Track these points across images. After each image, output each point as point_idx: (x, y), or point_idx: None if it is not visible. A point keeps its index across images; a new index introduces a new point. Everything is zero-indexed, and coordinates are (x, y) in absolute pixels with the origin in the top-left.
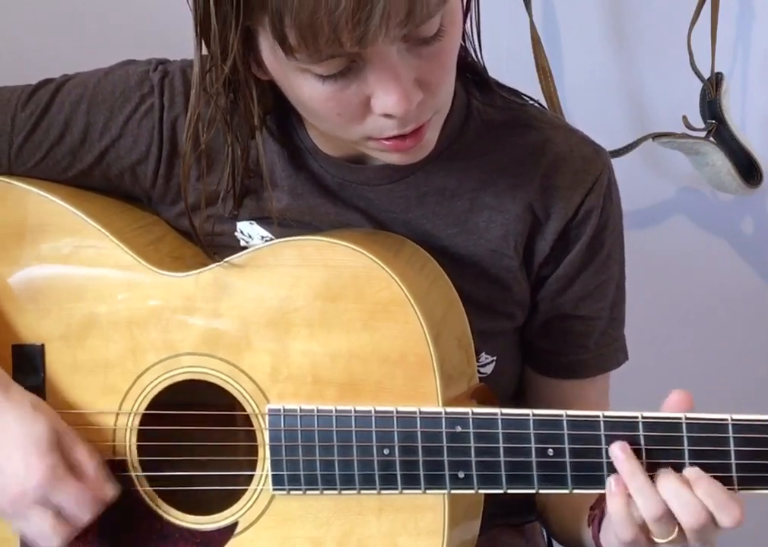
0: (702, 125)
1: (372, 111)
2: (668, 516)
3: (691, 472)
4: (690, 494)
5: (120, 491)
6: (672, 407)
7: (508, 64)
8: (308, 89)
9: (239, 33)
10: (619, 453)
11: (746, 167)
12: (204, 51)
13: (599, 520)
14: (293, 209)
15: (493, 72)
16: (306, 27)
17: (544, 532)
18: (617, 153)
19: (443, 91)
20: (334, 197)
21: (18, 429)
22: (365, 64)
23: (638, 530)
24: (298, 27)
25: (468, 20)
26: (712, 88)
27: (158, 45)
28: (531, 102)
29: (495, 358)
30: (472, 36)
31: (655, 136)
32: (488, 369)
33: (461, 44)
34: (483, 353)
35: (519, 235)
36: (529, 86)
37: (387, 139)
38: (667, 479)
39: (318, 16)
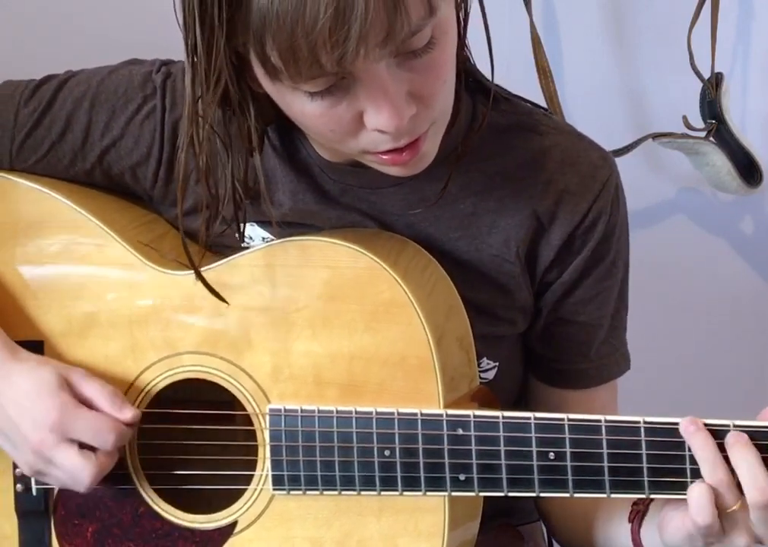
0: (702, 125)
1: (365, 126)
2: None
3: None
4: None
5: (139, 415)
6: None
7: (508, 64)
8: (299, 106)
9: (229, 53)
10: (690, 426)
11: (746, 167)
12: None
13: (642, 517)
14: (294, 213)
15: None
16: (285, 50)
17: (545, 533)
18: (617, 153)
19: (439, 102)
20: (336, 202)
21: (26, 383)
22: (354, 80)
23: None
24: (278, 50)
25: (469, 25)
26: (712, 88)
27: (162, 45)
28: (537, 108)
29: (497, 364)
30: (464, 37)
31: (655, 136)
32: (490, 375)
33: (463, 50)
34: (485, 358)
35: (522, 241)
36: (529, 87)
37: (383, 153)
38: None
39: (296, 38)
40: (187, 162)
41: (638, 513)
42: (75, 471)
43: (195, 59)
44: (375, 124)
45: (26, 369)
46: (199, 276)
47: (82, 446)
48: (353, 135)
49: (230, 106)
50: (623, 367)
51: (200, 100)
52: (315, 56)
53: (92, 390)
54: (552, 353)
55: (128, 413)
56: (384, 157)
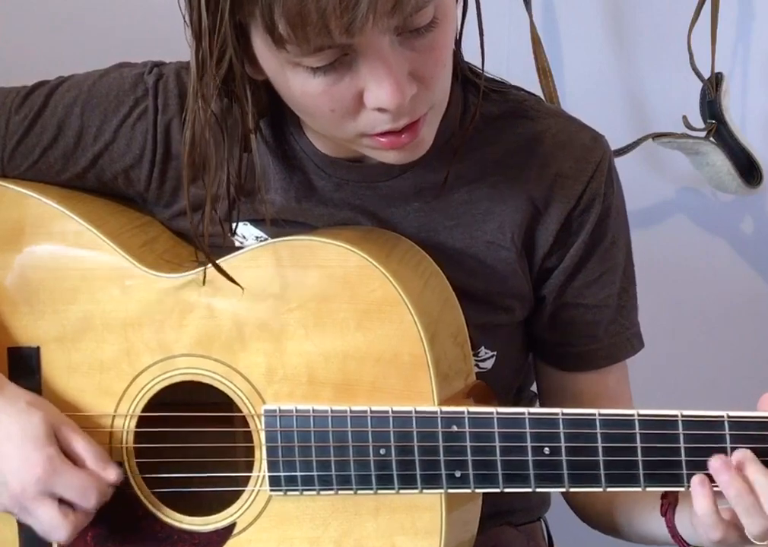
0: (702, 125)
1: (365, 105)
2: None
3: None
4: None
5: (122, 476)
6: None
7: (508, 64)
8: (301, 83)
9: (233, 28)
10: (721, 469)
11: (746, 167)
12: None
13: (674, 508)
14: (287, 211)
15: (494, 72)
16: (294, 16)
17: (545, 532)
18: (617, 153)
19: (438, 86)
20: (328, 198)
21: (14, 426)
22: (357, 56)
23: (727, 527)
24: (287, 16)
25: (467, 19)
26: (712, 88)
27: (154, 46)
28: (529, 95)
29: (495, 352)
30: (461, 33)
31: (655, 136)
32: (488, 364)
33: (459, 47)
34: (482, 348)
35: (517, 227)
36: (529, 86)
37: (381, 135)
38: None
39: (305, 3)
40: (193, 140)
41: (669, 506)
42: (52, 527)
43: (200, 34)
44: (376, 101)
45: (15, 411)
46: (213, 264)
47: (61, 500)
48: (353, 116)
49: (226, 93)
50: (636, 346)
51: (204, 78)
52: (325, 21)
53: (79, 446)
54: (560, 338)
55: (112, 474)
56: (382, 140)
